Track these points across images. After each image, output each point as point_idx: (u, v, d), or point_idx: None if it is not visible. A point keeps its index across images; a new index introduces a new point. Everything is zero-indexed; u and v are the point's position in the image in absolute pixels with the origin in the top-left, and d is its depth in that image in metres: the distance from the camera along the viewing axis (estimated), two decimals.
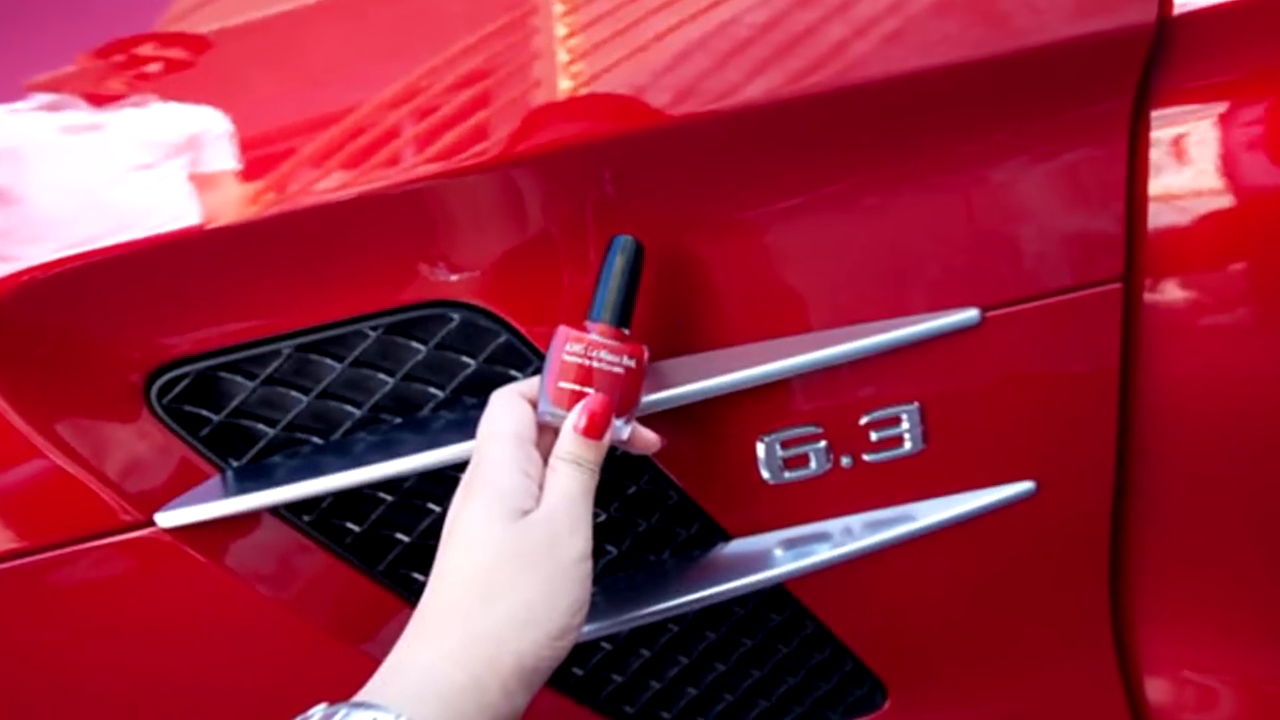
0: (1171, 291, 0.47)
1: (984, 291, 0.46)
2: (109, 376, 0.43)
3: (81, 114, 0.39)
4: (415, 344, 0.46)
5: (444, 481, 0.49)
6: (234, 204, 0.39)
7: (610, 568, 0.52)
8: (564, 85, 0.40)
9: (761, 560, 0.50)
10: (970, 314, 0.47)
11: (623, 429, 0.42)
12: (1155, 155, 0.45)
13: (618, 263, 0.42)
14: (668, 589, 0.50)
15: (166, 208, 0.39)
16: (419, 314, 0.45)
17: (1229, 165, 0.45)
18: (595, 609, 0.50)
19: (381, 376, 0.47)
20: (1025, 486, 0.51)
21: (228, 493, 0.45)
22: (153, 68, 0.39)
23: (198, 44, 0.39)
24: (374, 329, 0.45)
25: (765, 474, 0.49)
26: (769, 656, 0.56)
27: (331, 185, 0.39)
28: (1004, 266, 0.46)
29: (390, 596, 0.49)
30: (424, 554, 0.49)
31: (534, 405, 0.42)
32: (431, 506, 0.49)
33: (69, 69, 0.39)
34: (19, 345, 0.41)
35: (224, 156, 0.39)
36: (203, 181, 0.39)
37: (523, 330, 0.45)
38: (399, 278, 0.44)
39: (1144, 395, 0.49)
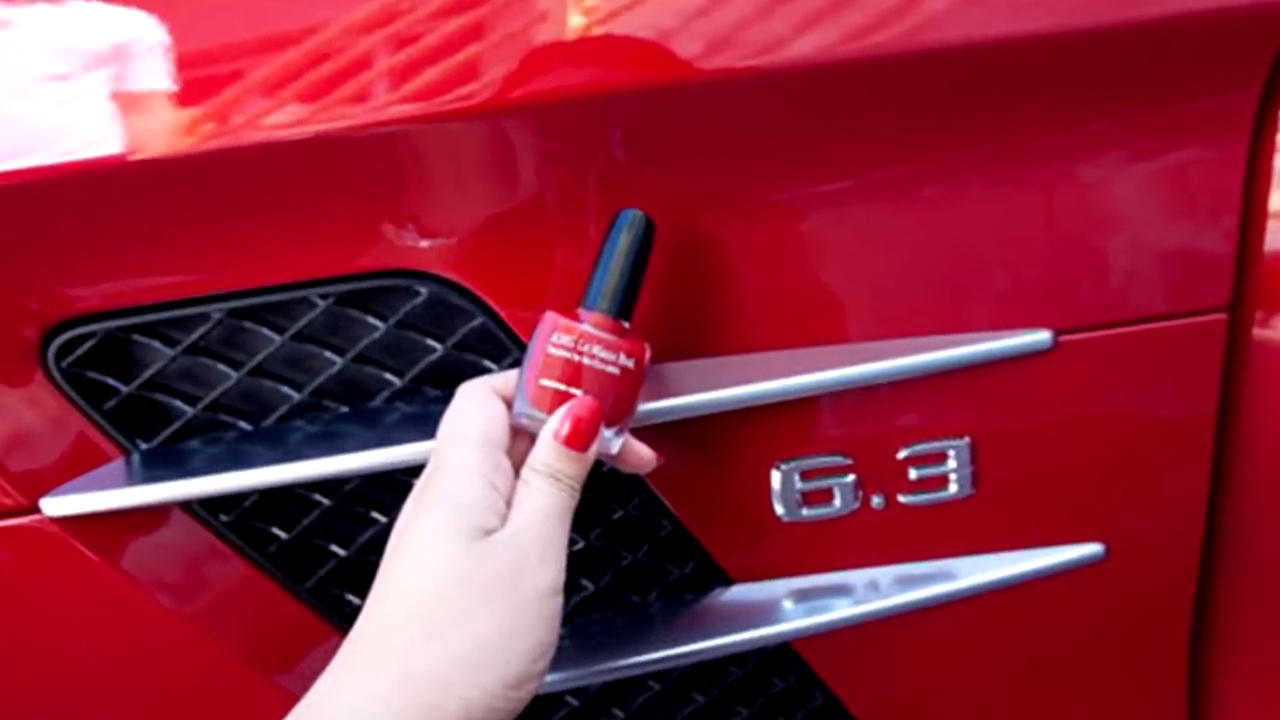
0: None
1: (1059, 311, 0.46)
2: None
3: None
4: (372, 319, 0.46)
5: (393, 487, 0.49)
6: (164, 132, 0.39)
7: (584, 607, 0.52)
8: (574, 22, 0.39)
9: (766, 612, 0.50)
10: (1041, 336, 0.46)
11: (612, 441, 0.42)
12: None
13: (622, 242, 0.42)
14: (651, 638, 0.50)
15: (81, 130, 0.39)
16: (379, 284, 0.45)
17: None
18: (562, 655, 0.49)
19: (328, 355, 0.47)
20: (1092, 549, 0.51)
21: (132, 480, 0.45)
22: None
23: None
24: (323, 297, 0.45)
25: (779, 509, 0.49)
26: None
27: (284, 120, 0.39)
28: (1085, 283, 0.46)
29: (316, 620, 0.49)
30: (362, 572, 0.49)
31: (509, 404, 0.42)
32: (376, 516, 0.49)
33: None
34: None
35: (156, 74, 0.39)
36: (128, 102, 0.39)
37: (502, 313, 0.45)
38: (358, 238, 0.44)
39: (1245, 450, 0.49)
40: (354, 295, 0.45)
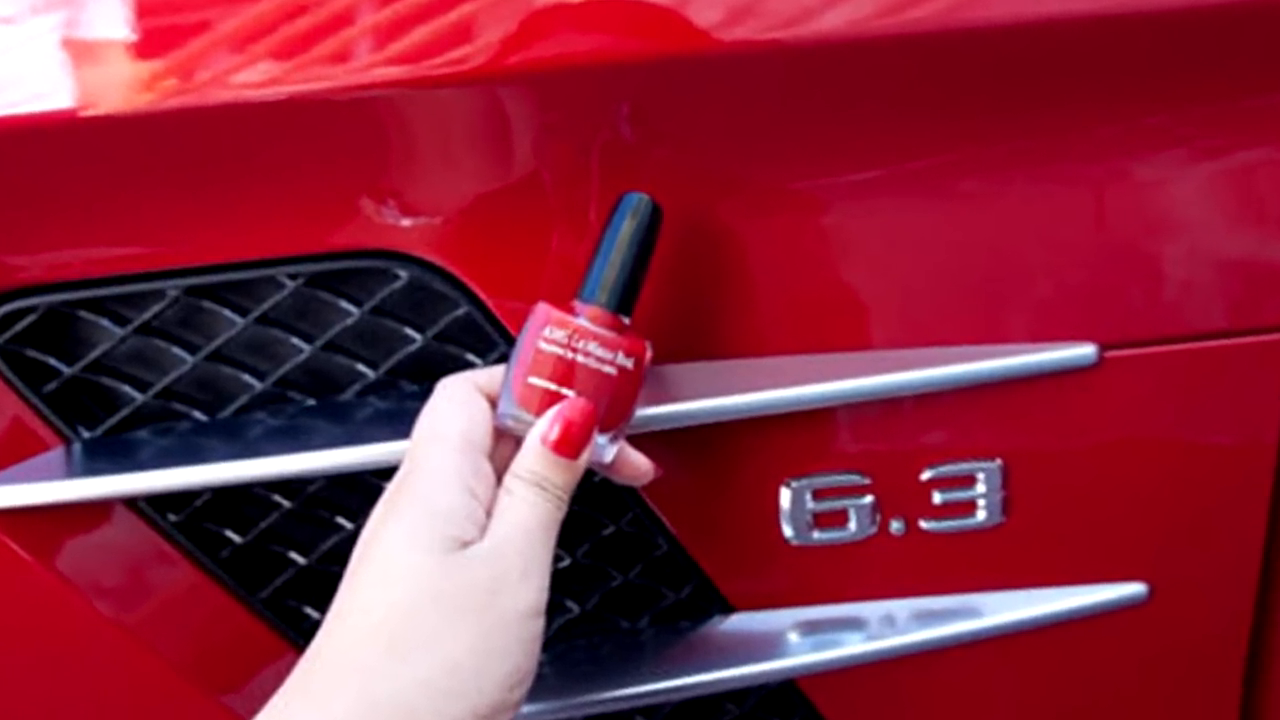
0: None
1: (1105, 324, 0.46)
2: None
3: None
4: (344, 303, 0.46)
5: (361, 490, 0.48)
6: (120, 87, 0.39)
7: (567, 631, 0.52)
8: None
9: (770, 645, 0.50)
10: (1084, 351, 0.46)
11: (606, 448, 0.42)
12: None
13: (625, 229, 0.42)
14: (641, 668, 0.50)
15: (26, 82, 0.39)
16: (354, 265, 0.45)
17: None
18: (541, 684, 0.48)
19: (295, 341, 0.46)
20: (1133, 589, 0.50)
21: (72, 471, 0.45)
22: None
23: None
24: (292, 277, 0.45)
25: (787, 530, 0.49)
26: None
27: (255, 79, 0.39)
28: (1135, 293, 0.46)
29: (271, 635, 0.49)
30: (323, 583, 0.48)
31: (493, 403, 0.42)
32: (341, 521, 0.49)
33: None
34: None
35: (112, 20, 0.39)
36: (80, 52, 0.39)
37: (489, 303, 0.45)
38: (332, 214, 0.43)
39: None
40: (326, 276, 0.45)
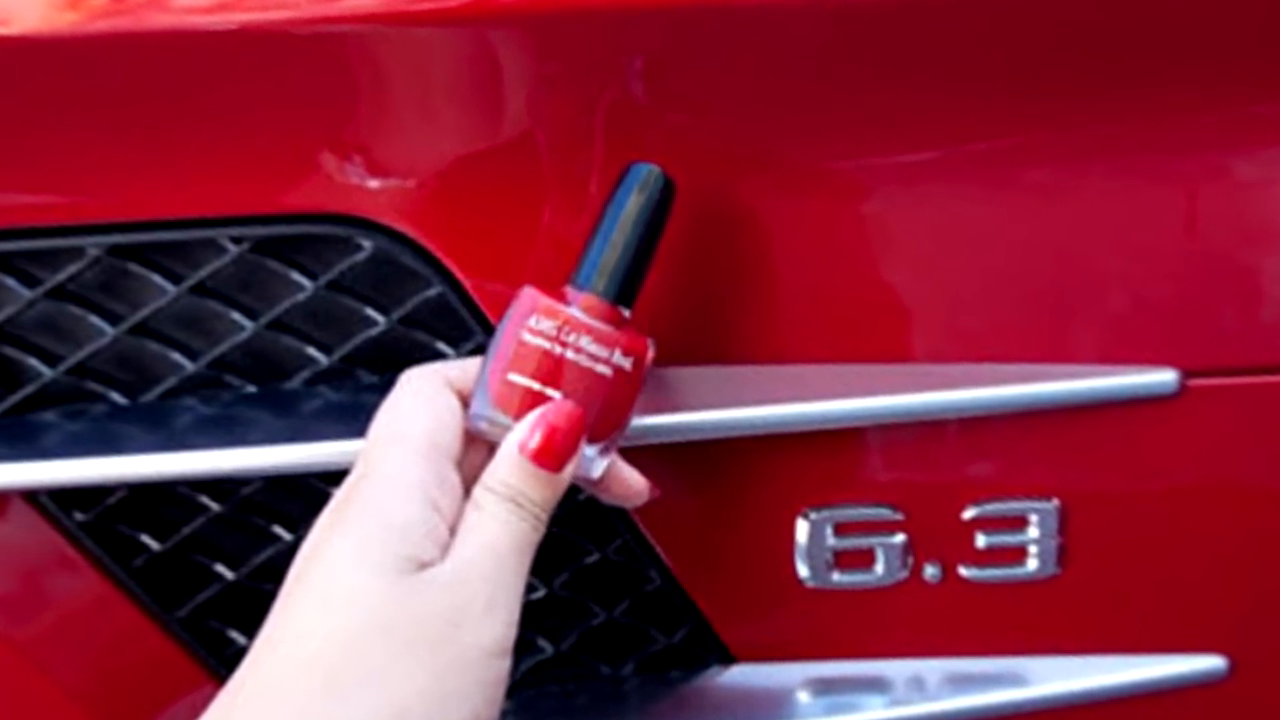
0: None
1: (1189, 347, 0.46)
2: None
3: None
4: (297, 275, 0.46)
5: (304, 495, 0.48)
6: (38, 4, 0.39)
7: (537, 674, 0.52)
8: None
9: (775, 703, 0.50)
10: (1163, 377, 0.46)
11: (595, 462, 0.42)
12: None
13: (631, 205, 0.42)
14: None
15: None
16: (309, 230, 0.45)
17: None
18: None
19: (236, 317, 0.46)
20: (1210, 663, 0.50)
21: None
22: None
23: None
24: (235, 241, 0.45)
25: (803, 570, 0.48)
26: None
27: (201, 3, 0.39)
28: (1227, 314, 0.46)
29: (188, 661, 0.49)
30: (253, 602, 0.47)
31: (465, 402, 0.42)
32: (278, 531, 0.49)
33: None
34: None
35: None
36: None
37: (466, 283, 0.45)
38: (287, 169, 0.44)
39: None
40: (275, 242, 0.45)
